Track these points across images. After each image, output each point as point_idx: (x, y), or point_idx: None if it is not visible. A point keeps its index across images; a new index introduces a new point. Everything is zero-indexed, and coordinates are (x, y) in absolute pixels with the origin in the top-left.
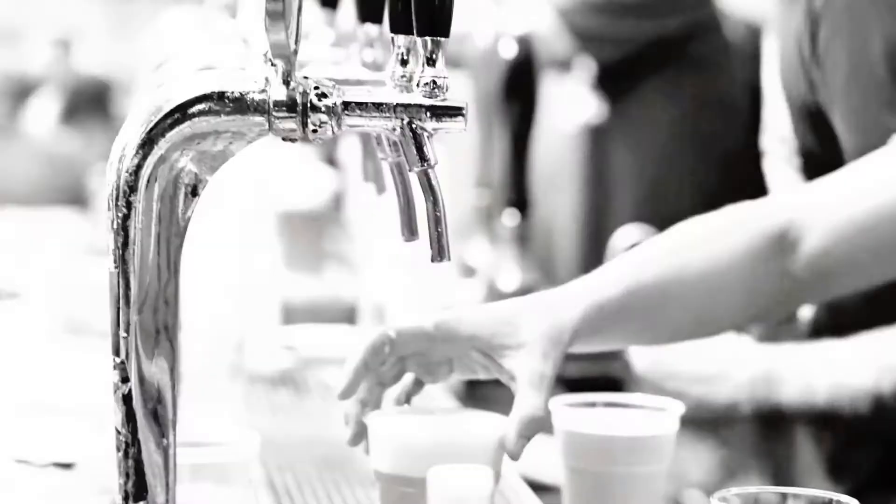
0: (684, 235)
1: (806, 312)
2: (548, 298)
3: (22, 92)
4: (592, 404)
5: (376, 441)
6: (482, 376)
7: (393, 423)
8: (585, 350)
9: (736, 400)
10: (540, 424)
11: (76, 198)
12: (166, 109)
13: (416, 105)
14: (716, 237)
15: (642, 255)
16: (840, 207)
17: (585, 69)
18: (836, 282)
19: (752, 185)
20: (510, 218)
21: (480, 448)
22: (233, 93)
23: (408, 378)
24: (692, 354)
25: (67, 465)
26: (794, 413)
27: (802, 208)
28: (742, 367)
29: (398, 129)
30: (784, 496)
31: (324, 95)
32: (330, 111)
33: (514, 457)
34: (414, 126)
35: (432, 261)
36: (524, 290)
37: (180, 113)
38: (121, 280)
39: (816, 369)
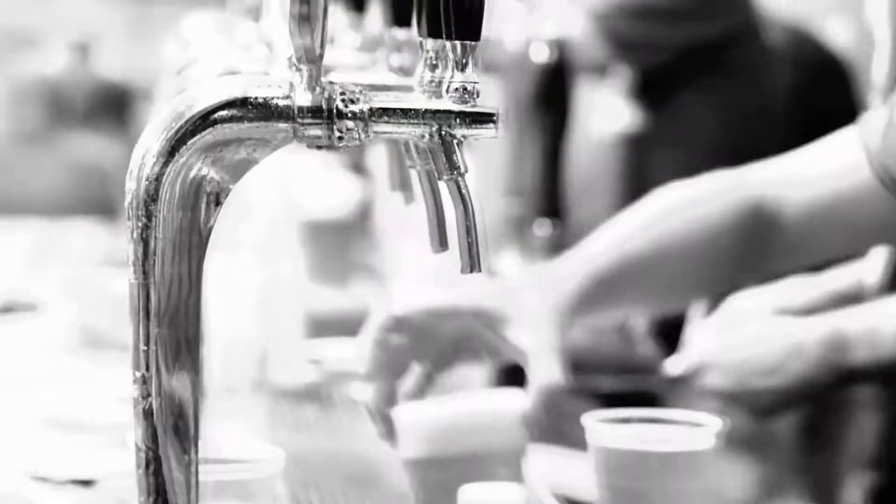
0: (666, 204)
1: (871, 279)
2: (547, 272)
3: (46, 99)
4: (627, 420)
5: (403, 430)
6: (488, 360)
7: (417, 410)
8: (586, 321)
9: (809, 375)
10: (557, 393)
11: (102, 207)
12: (188, 116)
13: (445, 111)
14: (695, 206)
15: (628, 226)
16: (814, 185)
17: (622, 76)
18: (806, 254)
19: None
20: (542, 228)
21: (506, 423)
22: (256, 98)
23: (418, 372)
24: (754, 347)
25: (87, 483)
26: (866, 372)
27: (779, 183)
28: (810, 341)
29: (427, 137)
30: None
31: (351, 101)
32: (357, 118)
33: (537, 426)
34: (444, 133)
35: (463, 272)
36: None
37: (202, 119)
38: (141, 292)
39: (881, 323)
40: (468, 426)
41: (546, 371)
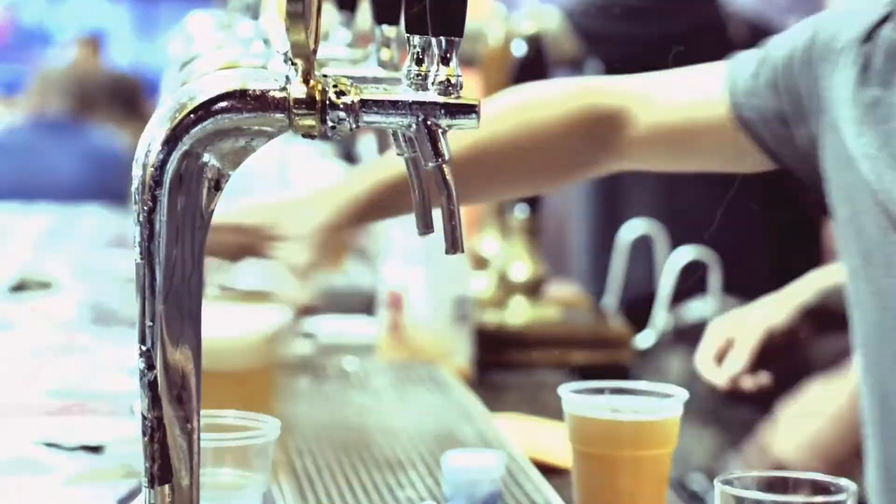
0: (506, 105)
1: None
2: (330, 187)
3: (63, 91)
4: (601, 390)
5: None
6: (270, 262)
7: None
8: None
9: None
10: (306, 310)
11: (113, 193)
12: (190, 107)
13: (430, 103)
14: (544, 106)
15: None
16: (671, 111)
17: (593, 69)
18: (644, 164)
19: (758, 177)
20: (521, 211)
21: (257, 340)
22: (254, 91)
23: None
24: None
25: (96, 449)
26: None
27: (638, 99)
28: None
29: (413, 126)
30: (786, 480)
31: (342, 93)
32: (348, 108)
33: (285, 342)
34: (429, 123)
35: (446, 253)
36: (535, 281)
37: (204, 110)
38: (146, 271)
39: None
40: (219, 343)
41: (297, 291)
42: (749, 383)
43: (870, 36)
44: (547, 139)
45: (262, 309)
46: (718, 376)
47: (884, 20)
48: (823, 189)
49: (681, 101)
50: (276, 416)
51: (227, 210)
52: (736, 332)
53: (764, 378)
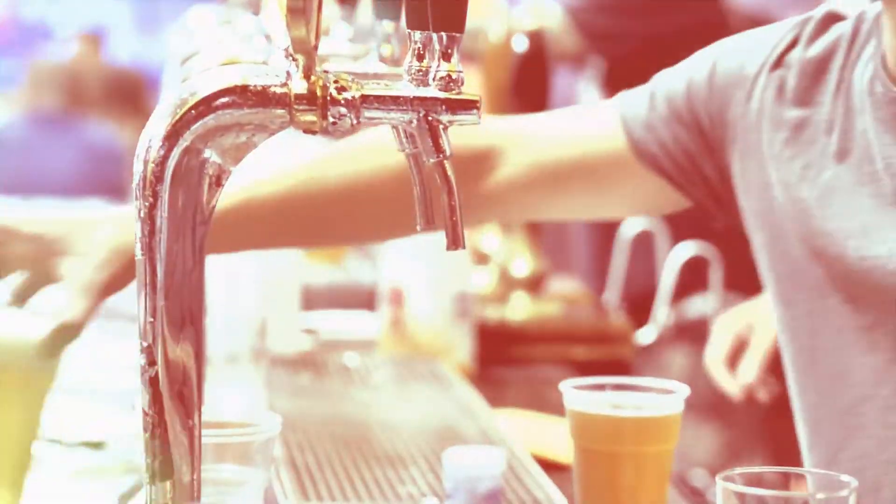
0: (349, 145)
1: None
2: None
3: (63, 86)
4: (602, 386)
5: None
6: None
7: None
8: (224, 251)
9: None
10: (74, 331)
11: (114, 189)
12: (191, 102)
13: (431, 98)
14: (388, 151)
15: (310, 162)
16: (556, 147)
17: (594, 65)
18: (528, 208)
19: None
20: None
21: (19, 344)
22: (255, 86)
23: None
24: None
25: (97, 445)
26: None
27: (514, 138)
28: None
29: (414, 122)
30: (787, 476)
31: (343, 89)
32: (349, 104)
33: (47, 356)
34: (430, 119)
35: (447, 249)
36: (536, 277)
37: (204, 106)
38: (147, 267)
39: None
40: None
41: (72, 309)
42: (763, 394)
43: (780, 61)
44: (386, 186)
45: (27, 316)
46: (732, 385)
47: (792, 45)
48: (737, 217)
49: (570, 136)
50: (277, 412)
51: (27, 217)
52: (746, 331)
53: (776, 387)
